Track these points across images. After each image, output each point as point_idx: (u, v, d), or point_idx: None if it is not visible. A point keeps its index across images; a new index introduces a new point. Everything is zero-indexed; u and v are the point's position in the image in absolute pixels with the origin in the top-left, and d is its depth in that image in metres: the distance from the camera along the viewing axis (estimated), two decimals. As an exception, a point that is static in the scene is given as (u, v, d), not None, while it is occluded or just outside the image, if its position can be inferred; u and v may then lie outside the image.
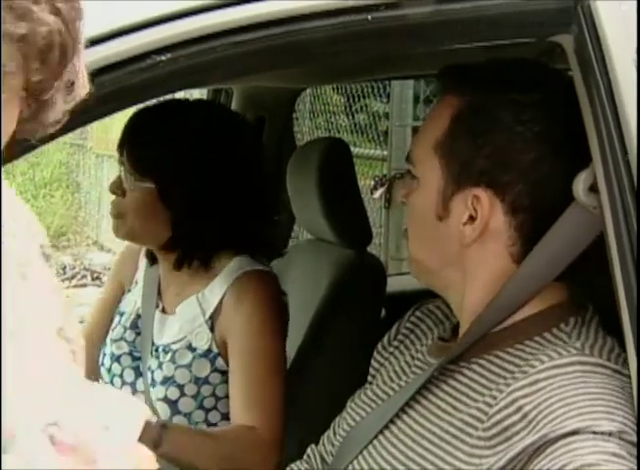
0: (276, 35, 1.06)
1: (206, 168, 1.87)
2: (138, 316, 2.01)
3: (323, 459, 1.52)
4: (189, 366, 1.86)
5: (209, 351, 1.88)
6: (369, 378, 1.50)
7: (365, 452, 1.35)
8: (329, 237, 2.25)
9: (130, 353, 1.99)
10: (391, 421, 1.32)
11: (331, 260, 2.25)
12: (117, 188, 1.91)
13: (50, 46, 0.75)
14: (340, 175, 2.22)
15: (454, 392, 1.26)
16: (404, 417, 1.31)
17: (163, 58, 1.01)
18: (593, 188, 1.19)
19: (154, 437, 1.65)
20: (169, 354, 1.89)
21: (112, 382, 1.99)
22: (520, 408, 1.14)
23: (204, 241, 1.91)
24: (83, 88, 0.82)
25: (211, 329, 1.89)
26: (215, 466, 1.77)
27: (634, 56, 1.14)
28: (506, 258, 1.26)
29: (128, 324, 2.02)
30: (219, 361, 1.88)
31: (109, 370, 1.99)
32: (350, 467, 1.37)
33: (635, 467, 1.05)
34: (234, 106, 2.48)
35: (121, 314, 2.05)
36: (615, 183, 1.12)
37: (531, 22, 1.18)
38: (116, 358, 1.99)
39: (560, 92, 1.25)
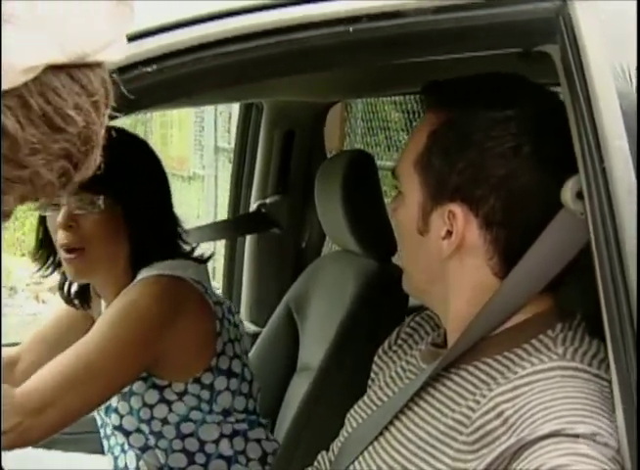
0: (263, 46, 1.09)
1: (144, 180, 1.87)
2: None
3: (332, 464, 1.54)
4: None
5: None
6: (369, 382, 1.52)
7: (360, 458, 1.37)
8: (354, 248, 2.28)
9: None
10: (385, 427, 1.34)
11: (355, 271, 2.28)
12: (70, 220, 1.79)
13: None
14: (364, 187, 2.25)
15: (442, 397, 1.28)
16: (396, 423, 1.33)
17: (150, 69, 1.05)
18: (580, 194, 1.21)
19: None
20: None
21: None
22: (501, 413, 1.16)
23: (157, 253, 1.87)
24: None
25: None
26: None
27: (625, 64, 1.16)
28: (486, 272, 1.28)
29: None
30: None
31: None
32: (346, 474, 1.39)
33: (608, 468, 1.06)
34: (264, 120, 2.52)
35: None
36: (594, 190, 1.13)
37: (517, 31, 1.20)
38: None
39: (536, 108, 1.27)
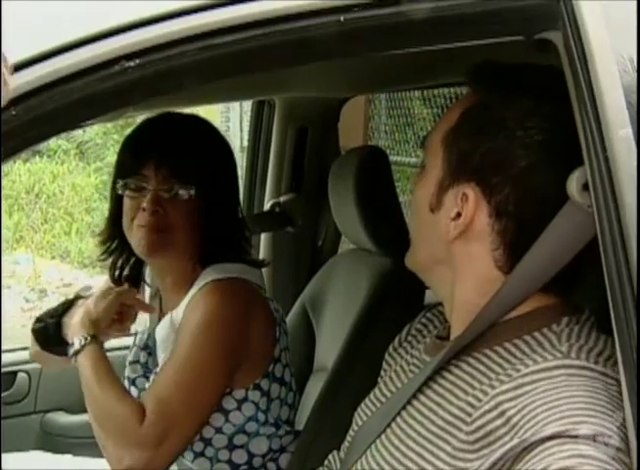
0: (246, 39, 1.06)
1: (227, 180, 1.89)
2: (149, 336, 1.98)
3: (341, 463, 1.52)
4: None
5: None
6: (379, 379, 1.50)
7: (364, 456, 1.35)
8: (368, 245, 2.24)
9: (144, 375, 1.95)
10: (388, 424, 1.32)
11: (370, 269, 2.24)
12: (157, 205, 1.81)
13: None
14: (377, 183, 2.21)
15: (441, 389, 1.26)
16: (398, 419, 1.31)
17: (132, 64, 1.03)
18: (587, 187, 1.17)
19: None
20: None
21: None
22: (503, 413, 1.13)
23: (225, 251, 1.88)
24: None
25: None
26: (92, 412, 1.74)
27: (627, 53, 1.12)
28: (489, 262, 1.25)
29: (141, 345, 1.99)
30: None
31: None
32: (352, 470, 1.37)
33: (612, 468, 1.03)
34: (276, 117, 2.49)
35: (135, 334, 2.03)
36: (598, 181, 1.09)
37: (518, 18, 1.16)
38: (132, 382, 1.96)
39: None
